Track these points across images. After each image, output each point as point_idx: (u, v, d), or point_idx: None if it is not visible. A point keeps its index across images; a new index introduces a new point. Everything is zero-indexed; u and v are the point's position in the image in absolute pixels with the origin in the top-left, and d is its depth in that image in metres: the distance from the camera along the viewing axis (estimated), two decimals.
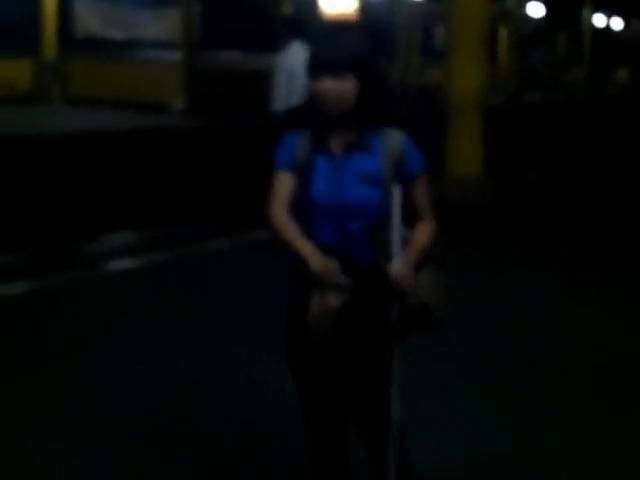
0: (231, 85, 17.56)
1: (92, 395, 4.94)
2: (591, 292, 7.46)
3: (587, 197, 12.53)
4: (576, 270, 8.15)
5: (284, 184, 3.11)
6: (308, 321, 3.05)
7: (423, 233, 3.20)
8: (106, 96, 17.53)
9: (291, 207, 3.10)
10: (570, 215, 11.14)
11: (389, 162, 3.11)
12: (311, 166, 3.10)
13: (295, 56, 8.73)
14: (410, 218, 3.20)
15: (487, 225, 10.21)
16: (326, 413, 3.23)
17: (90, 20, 19.59)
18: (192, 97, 17.91)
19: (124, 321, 6.20)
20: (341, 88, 3.04)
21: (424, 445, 4.09)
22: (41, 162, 9.25)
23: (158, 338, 5.88)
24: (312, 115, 3.12)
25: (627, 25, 40.07)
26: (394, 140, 3.14)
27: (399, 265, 3.09)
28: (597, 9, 34.90)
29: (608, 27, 38.46)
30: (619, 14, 38.22)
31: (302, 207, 3.11)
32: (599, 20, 36.71)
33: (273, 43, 13.46)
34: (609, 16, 37.79)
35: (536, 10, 32.94)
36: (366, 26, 17.50)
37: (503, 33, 30.13)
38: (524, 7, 32.00)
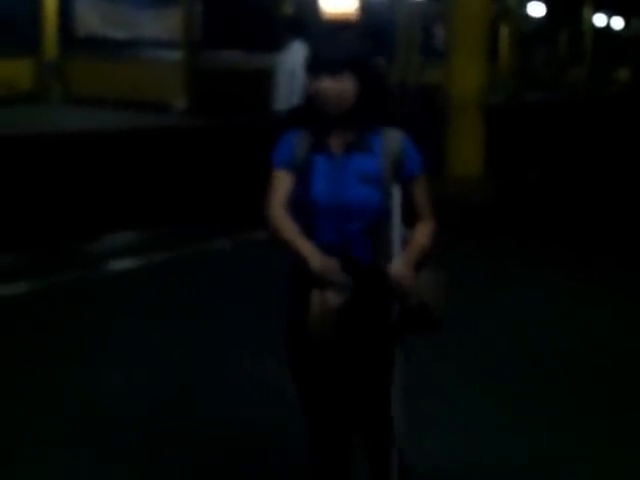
0: (232, 85, 17.56)
1: (92, 395, 4.94)
2: (592, 291, 7.46)
3: (588, 196, 12.53)
4: (577, 269, 8.15)
5: (283, 183, 3.11)
6: (308, 321, 3.05)
7: (423, 233, 3.20)
8: (107, 96, 17.54)
9: (291, 207, 3.10)
10: (571, 214, 11.14)
11: (389, 162, 3.11)
12: (310, 166, 3.10)
13: (296, 56, 8.72)
14: (410, 218, 3.20)
15: (488, 224, 10.21)
16: (326, 413, 3.23)
17: (91, 19, 19.60)
18: (193, 97, 17.92)
19: (125, 321, 6.20)
20: (339, 88, 3.04)
21: (424, 445, 4.10)
22: (42, 162, 9.24)
23: (159, 338, 5.88)
24: (311, 115, 3.12)
25: (627, 24, 40.09)
26: (393, 140, 3.14)
27: (399, 265, 3.09)
28: (598, 8, 34.91)
29: (609, 26, 38.48)
30: (619, 13, 38.23)
31: (302, 207, 3.10)
32: (599, 19, 36.72)
33: (274, 43, 13.49)
34: (609, 15, 37.80)
35: (537, 9, 32.97)
36: (366, 26, 17.50)
37: (504, 32, 30.16)
38: (525, 6, 32.01)
